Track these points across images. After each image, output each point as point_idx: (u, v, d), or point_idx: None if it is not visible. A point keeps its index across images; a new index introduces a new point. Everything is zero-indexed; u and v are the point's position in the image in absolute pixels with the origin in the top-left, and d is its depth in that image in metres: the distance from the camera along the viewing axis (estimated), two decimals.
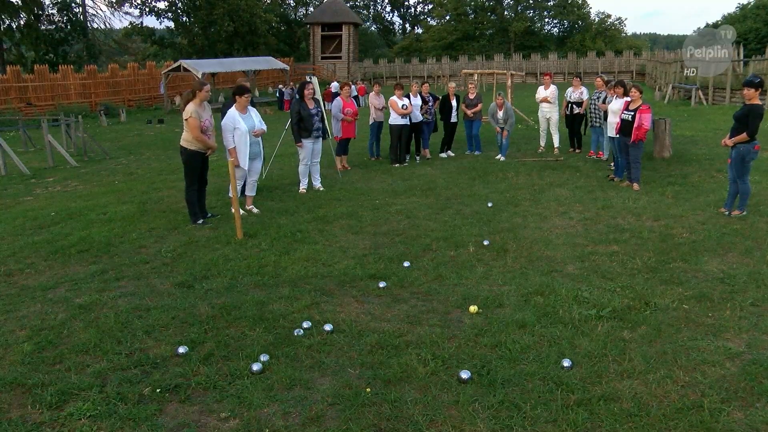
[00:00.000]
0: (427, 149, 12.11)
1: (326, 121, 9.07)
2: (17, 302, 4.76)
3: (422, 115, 11.60)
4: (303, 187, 8.85)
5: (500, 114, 11.49)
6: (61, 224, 7.38)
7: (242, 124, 7.18)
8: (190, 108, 6.64)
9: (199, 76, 30.40)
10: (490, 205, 6.29)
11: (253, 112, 7.48)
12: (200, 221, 7.02)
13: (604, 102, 10.18)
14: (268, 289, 4.93)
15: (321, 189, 8.84)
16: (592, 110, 10.95)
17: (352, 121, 10.69)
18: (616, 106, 9.15)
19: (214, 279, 5.18)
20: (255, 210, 7.57)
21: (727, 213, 6.85)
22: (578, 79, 11.96)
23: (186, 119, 6.74)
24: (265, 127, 7.57)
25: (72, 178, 11.58)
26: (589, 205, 7.59)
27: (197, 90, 6.73)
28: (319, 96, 9.16)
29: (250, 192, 7.68)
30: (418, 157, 11.80)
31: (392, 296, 4.75)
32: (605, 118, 9.93)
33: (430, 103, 11.91)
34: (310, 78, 10.33)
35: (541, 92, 12.17)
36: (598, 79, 11.13)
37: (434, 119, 12.21)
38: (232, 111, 7.24)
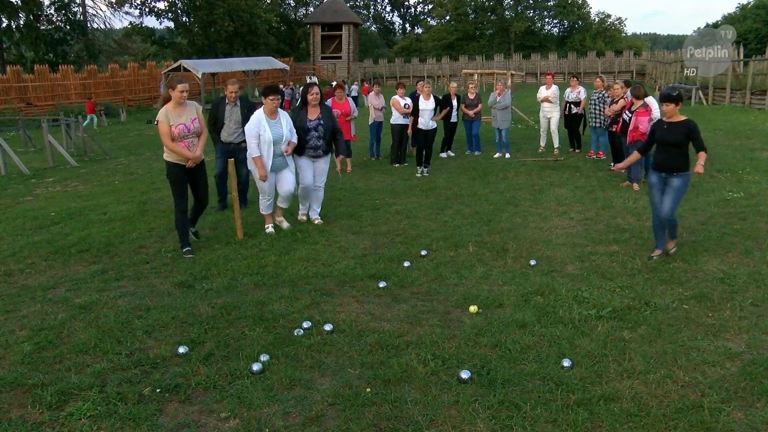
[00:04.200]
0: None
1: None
2: (17, 302, 4.76)
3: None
4: (302, 213, 7.16)
5: (499, 98, 11.69)
6: (61, 224, 7.38)
7: (267, 132, 6.14)
8: (162, 111, 5.65)
9: (199, 76, 30.44)
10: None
11: (285, 119, 6.34)
12: (187, 249, 5.93)
13: (612, 103, 10.07)
14: (268, 289, 4.93)
15: (319, 222, 6.93)
16: (592, 110, 10.95)
17: (344, 122, 10.33)
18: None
19: (214, 279, 5.18)
20: (285, 224, 6.70)
21: (655, 255, 5.48)
22: (575, 79, 11.97)
23: (155, 124, 5.79)
24: (296, 139, 6.50)
25: (72, 178, 11.58)
26: (589, 205, 7.59)
27: (170, 89, 5.69)
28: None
29: (282, 203, 6.72)
30: (426, 169, 10.25)
31: (392, 296, 4.75)
32: (612, 123, 9.74)
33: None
34: (311, 77, 10.32)
35: (543, 92, 12.20)
36: (598, 79, 11.13)
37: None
38: (258, 114, 6.21)
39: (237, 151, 7.29)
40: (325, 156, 6.93)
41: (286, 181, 6.46)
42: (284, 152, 6.31)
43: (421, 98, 10.31)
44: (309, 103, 6.74)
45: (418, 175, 9.95)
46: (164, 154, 5.82)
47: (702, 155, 5.22)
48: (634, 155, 5.82)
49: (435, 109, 10.59)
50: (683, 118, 5.33)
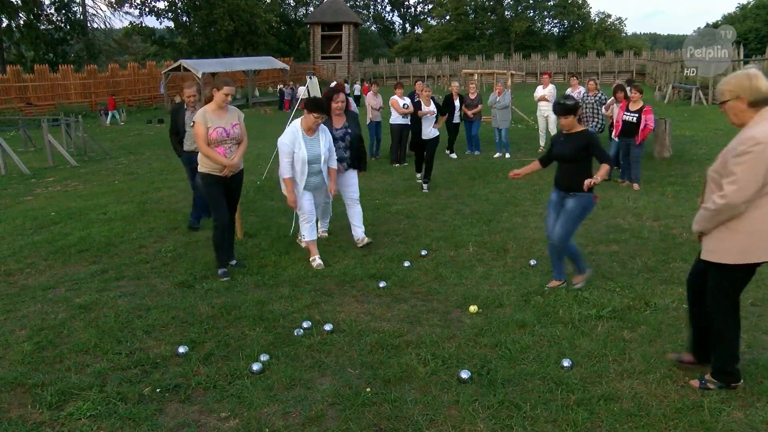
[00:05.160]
0: None
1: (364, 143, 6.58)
2: (17, 302, 4.76)
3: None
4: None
5: (498, 98, 11.68)
6: (61, 224, 7.38)
7: (303, 150, 5.38)
8: (200, 111, 5.14)
9: (199, 76, 30.38)
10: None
11: (324, 136, 5.55)
12: (223, 271, 5.27)
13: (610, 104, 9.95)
14: (268, 289, 4.93)
15: (367, 241, 6.03)
16: (588, 113, 10.72)
17: None
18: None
19: (214, 279, 5.18)
20: (318, 261, 5.52)
21: (549, 287, 4.80)
22: (575, 78, 11.95)
23: (191, 126, 5.26)
24: (335, 163, 5.74)
25: (72, 178, 11.58)
26: None
27: (215, 89, 5.11)
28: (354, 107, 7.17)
29: (309, 234, 5.59)
30: (426, 185, 8.91)
31: (392, 296, 4.75)
32: (612, 125, 9.39)
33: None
34: (311, 78, 10.31)
35: (540, 91, 12.22)
36: (591, 82, 10.76)
37: None
38: (294, 127, 5.45)
39: None
40: (352, 168, 6.17)
41: (315, 204, 5.73)
42: (330, 191, 5.71)
43: (421, 104, 9.20)
44: (333, 112, 5.88)
45: (422, 185, 8.91)
46: (199, 165, 5.26)
47: (604, 167, 4.48)
48: (535, 164, 4.97)
49: (436, 116, 9.46)
50: (581, 128, 4.65)
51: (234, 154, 5.20)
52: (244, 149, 5.32)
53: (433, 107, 9.27)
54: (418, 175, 9.30)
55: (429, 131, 9.10)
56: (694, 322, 3.42)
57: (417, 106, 9.29)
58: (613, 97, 9.73)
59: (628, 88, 8.92)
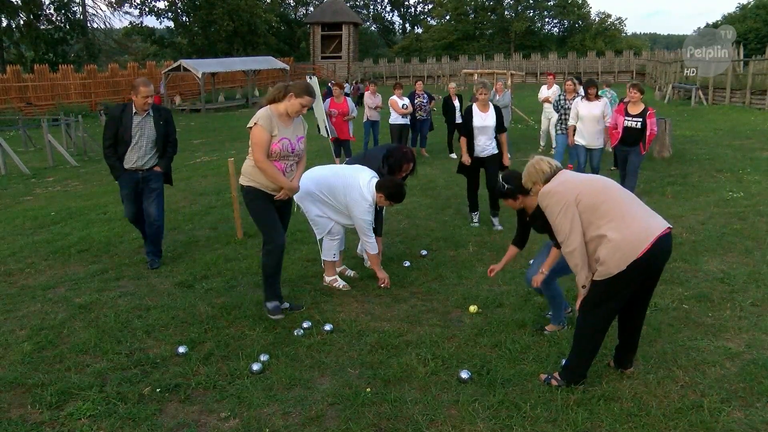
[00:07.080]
0: (424, 148, 12.11)
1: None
2: (17, 302, 4.76)
3: (418, 113, 11.52)
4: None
5: (498, 98, 11.67)
6: (61, 224, 7.38)
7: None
8: (263, 113, 4.05)
9: (199, 76, 30.38)
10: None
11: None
12: (275, 305, 4.36)
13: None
14: None
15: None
16: (565, 117, 9.24)
17: (342, 122, 10.23)
18: (596, 110, 7.86)
19: (214, 279, 5.18)
20: (346, 278, 5.13)
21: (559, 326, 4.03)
22: (572, 84, 11.80)
23: (249, 127, 4.12)
24: (380, 234, 5.35)
25: (72, 178, 11.58)
26: None
27: (293, 93, 4.06)
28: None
29: (330, 254, 4.96)
30: (496, 219, 6.82)
31: (392, 296, 4.75)
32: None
33: (425, 101, 11.93)
34: (311, 78, 10.25)
35: (544, 92, 12.20)
36: (569, 82, 9.61)
37: (430, 117, 12.24)
38: (373, 199, 4.70)
39: (149, 180, 5.46)
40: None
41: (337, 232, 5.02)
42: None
43: (475, 110, 6.55)
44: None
45: (492, 222, 6.78)
46: (242, 177, 4.25)
47: (553, 253, 3.78)
48: (511, 250, 4.31)
49: (496, 126, 6.60)
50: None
51: (294, 174, 4.28)
52: (303, 170, 4.42)
53: (492, 116, 6.54)
54: (474, 215, 6.96)
55: (485, 147, 6.64)
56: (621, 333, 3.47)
57: (467, 118, 6.62)
58: (583, 95, 8.35)
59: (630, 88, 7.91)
